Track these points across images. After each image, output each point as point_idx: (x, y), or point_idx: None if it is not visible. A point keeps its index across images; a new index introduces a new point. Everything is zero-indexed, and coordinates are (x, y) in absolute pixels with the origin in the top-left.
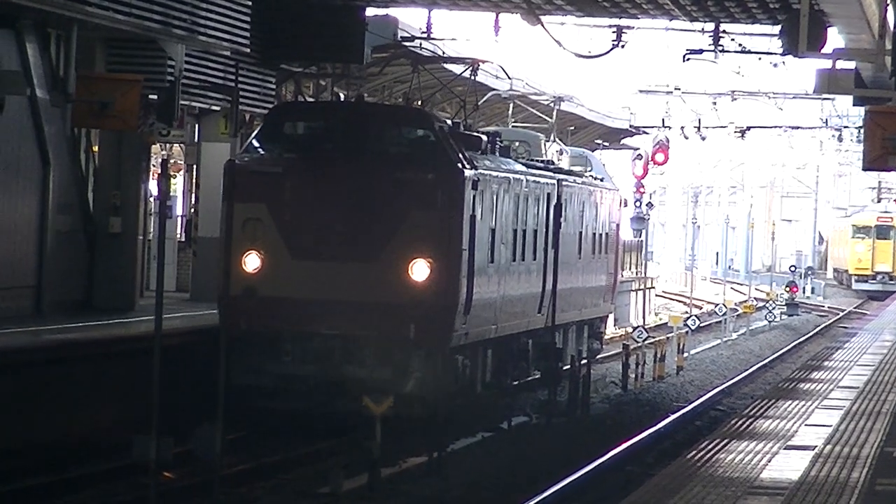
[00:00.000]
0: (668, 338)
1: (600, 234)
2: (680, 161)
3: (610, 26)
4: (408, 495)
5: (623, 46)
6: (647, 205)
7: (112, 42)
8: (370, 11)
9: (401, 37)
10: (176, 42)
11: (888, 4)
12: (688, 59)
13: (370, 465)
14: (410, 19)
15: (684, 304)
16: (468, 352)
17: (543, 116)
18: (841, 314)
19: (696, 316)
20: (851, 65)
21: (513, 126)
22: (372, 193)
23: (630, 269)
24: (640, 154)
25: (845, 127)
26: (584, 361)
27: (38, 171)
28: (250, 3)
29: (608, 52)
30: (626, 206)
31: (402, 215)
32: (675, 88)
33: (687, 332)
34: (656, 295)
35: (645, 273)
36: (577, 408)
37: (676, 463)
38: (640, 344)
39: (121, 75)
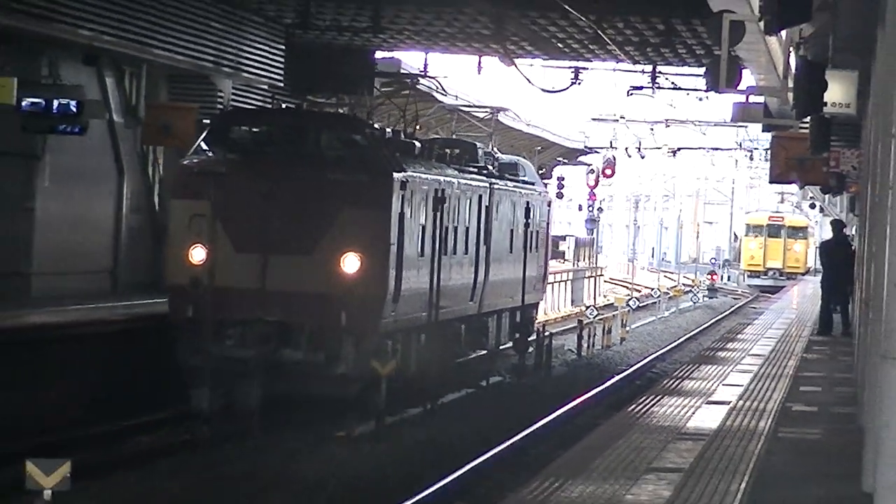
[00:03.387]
0: (613, 315)
1: (531, 232)
2: (624, 175)
3: (569, 67)
4: (407, 438)
5: (579, 83)
6: (598, 209)
7: (173, 77)
8: (379, 54)
9: (403, 74)
10: (224, 77)
11: (790, 52)
12: (631, 94)
13: (377, 414)
14: (411, 60)
15: (627, 288)
16: (399, 336)
17: (482, 126)
18: (751, 297)
19: (636, 298)
20: (761, 99)
21: (455, 136)
22: (308, 193)
23: (584, 260)
24: (592, 169)
25: (755, 149)
26: (517, 340)
27: (114, 179)
28: (284, 48)
29: (568, 87)
30: (581, 210)
31: (334, 213)
32: (621, 117)
33: (629, 311)
34: (605, 281)
35: (596, 264)
36: (541, 370)
37: (620, 414)
38: (591, 320)
39: (180, 104)
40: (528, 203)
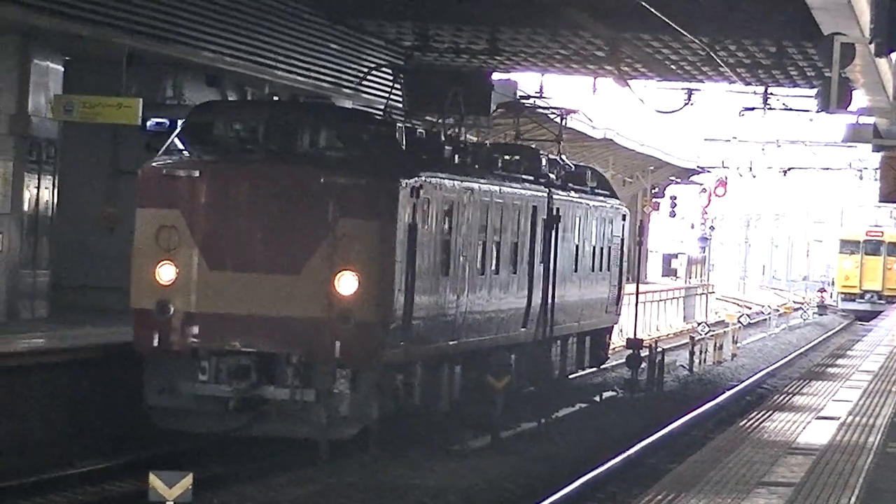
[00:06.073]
0: (725, 331)
1: (601, 248)
2: (736, 194)
3: (682, 88)
4: (522, 453)
5: (692, 104)
6: (710, 227)
7: (295, 98)
8: (496, 75)
9: (519, 95)
10: (344, 98)
11: None
12: (743, 114)
13: (492, 429)
14: (527, 82)
15: (738, 305)
16: (416, 369)
17: (549, 130)
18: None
19: (747, 314)
20: (871, 120)
21: (520, 140)
22: (297, 199)
23: (696, 277)
24: (704, 188)
25: (865, 168)
26: (591, 368)
27: None
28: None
29: (681, 108)
30: (693, 228)
31: (328, 223)
32: (733, 137)
33: (740, 327)
34: (716, 298)
35: (708, 281)
36: (653, 385)
37: (731, 429)
38: (703, 336)
39: None
40: (599, 216)
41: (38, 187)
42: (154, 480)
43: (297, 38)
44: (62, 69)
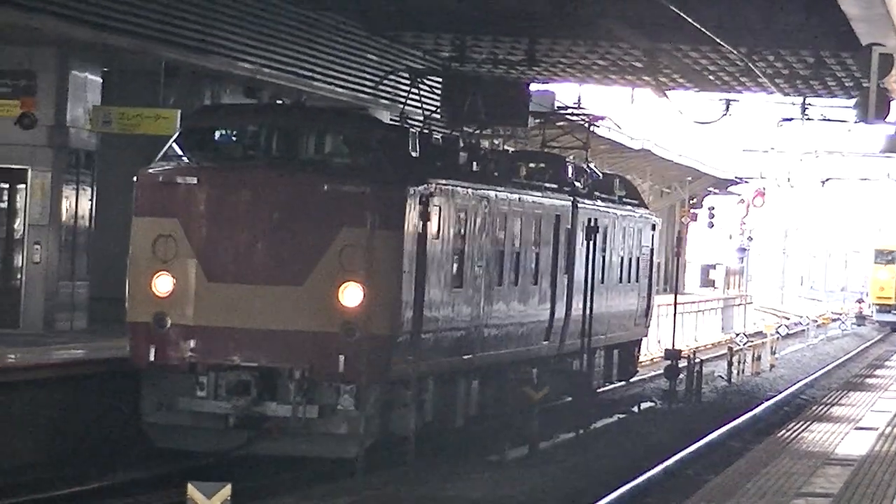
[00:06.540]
0: (763, 342)
1: (630, 259)
2: (774, 204)
3: (720, 99)
4: (560, 463)
5: (730, 115)
6: (748, 238)
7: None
8: (533, 86)
9: (557, 106)
10: (382, 109)
11: None
12: (781, 125)
13: (530, 439)
14: (565, 92)
15: (776, 315)
16: (428, 385)
17: (578, 138)
18: None
19: (785, 325)
20: None
21: (548, 148)
22: (300, 207)
23: (734, 288)
24: (742, 199)
25: None
26: (621, 381)
27: None
28: (441, 81)
29: (719, 119)
30: (731, 239)
31: (332, 233)
32: (771, 148)
33: (778, 338)
34: (754, 309)
35: (746, 291)
36: (692, 396)
37: (769, 440)
38: (741, 346)
39: None
40: (627, 226)
41: (77, 199)
42: (192, 491)
43: (335, 50)
44: (100, 80)
